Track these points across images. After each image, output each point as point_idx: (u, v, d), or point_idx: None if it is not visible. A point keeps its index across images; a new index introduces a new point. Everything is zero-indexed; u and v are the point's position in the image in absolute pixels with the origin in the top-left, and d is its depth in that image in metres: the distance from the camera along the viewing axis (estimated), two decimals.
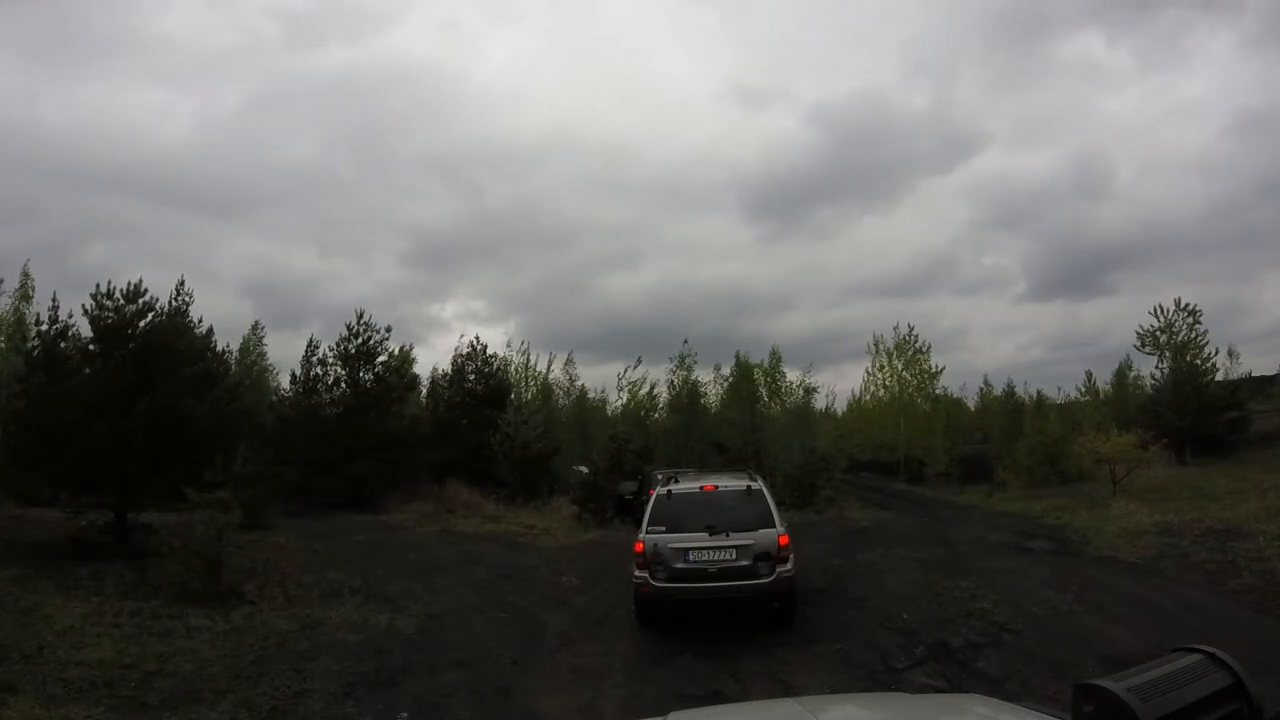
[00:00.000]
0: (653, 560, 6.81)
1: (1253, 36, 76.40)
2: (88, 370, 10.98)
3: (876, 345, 32.33)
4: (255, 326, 27.45)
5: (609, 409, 28.03)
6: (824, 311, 63.26)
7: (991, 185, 74.01)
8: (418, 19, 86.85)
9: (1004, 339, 65.33)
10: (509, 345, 28.80)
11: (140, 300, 11.29)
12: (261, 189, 69.31)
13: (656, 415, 28.07)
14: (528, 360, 26.45)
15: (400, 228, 71.73)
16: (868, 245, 70.50)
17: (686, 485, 7.52)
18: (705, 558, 6.74)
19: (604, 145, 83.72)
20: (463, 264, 69.89)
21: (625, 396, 27.62)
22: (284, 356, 50.35)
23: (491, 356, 24.56)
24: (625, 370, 27.71)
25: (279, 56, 77.44)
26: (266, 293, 59.28)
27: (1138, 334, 24.89)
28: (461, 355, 24.50)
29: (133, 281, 11.37)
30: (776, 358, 27.23)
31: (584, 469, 18.95)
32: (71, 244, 55.02)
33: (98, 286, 11.19)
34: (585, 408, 27.47)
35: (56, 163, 56.80)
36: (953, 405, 33.81)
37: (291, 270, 64.07)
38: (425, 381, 26.15)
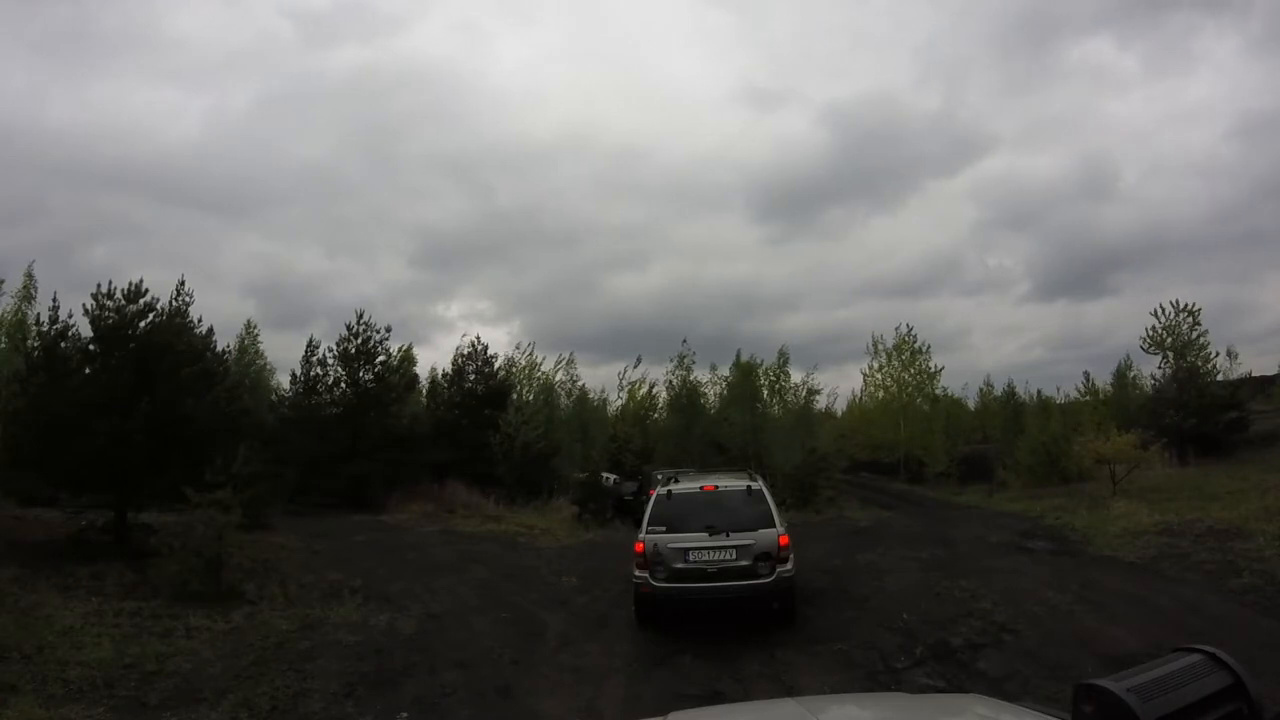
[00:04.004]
0: (653, 560, 6.81)
1: (1258, 40, 76.72)
2: (88, 370, 10.97)
3: (875, 346, 32.39)
4: (249, 325, 27.56)
5: (609, 409, 28.06)
6: (829, 311, 63.56)
7: (998, 187, 74.45)
8: (432, 20, 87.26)
9: (1006, 339, 65.64)
10: (518, 348, 28.59)
11: (141, 300, 11.27)
12: (270, 189, 69.64)
13: (656, 415, 28.07)
14: (530, 360, 26.48)
15: (408, 228, 72.05)
16: (874, 246, 70.93)
17: (686, 485, 7.51)
18: (705, 558, 6.73)
19: (615, 146, 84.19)
20: (469, 264, 70.27)
21: (625, 396, 27.65)
22: (288, 357, 50.41)
23: (492, 356, 24.61)
24: (624, 370, 27.74)
25: (292, 56, 77.79)
26: (272, 292, 59.55)
27: (1144, 335, 24.93)
28: (462, 355, 24.54)
29: (133, 281, 11.38)
30: (783, 358, 27.28)
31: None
32: (77, 244, 55.31)
33: (98, 286, 11.19)
34: (586, 408, 27.48)
35: (63, 162, 57.03)
36: (953, 405, 33.86)
37: (298, 270, 64.35)
38: (425, 382, 26.19)
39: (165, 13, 74.12)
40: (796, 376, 27.92)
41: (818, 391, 28.26)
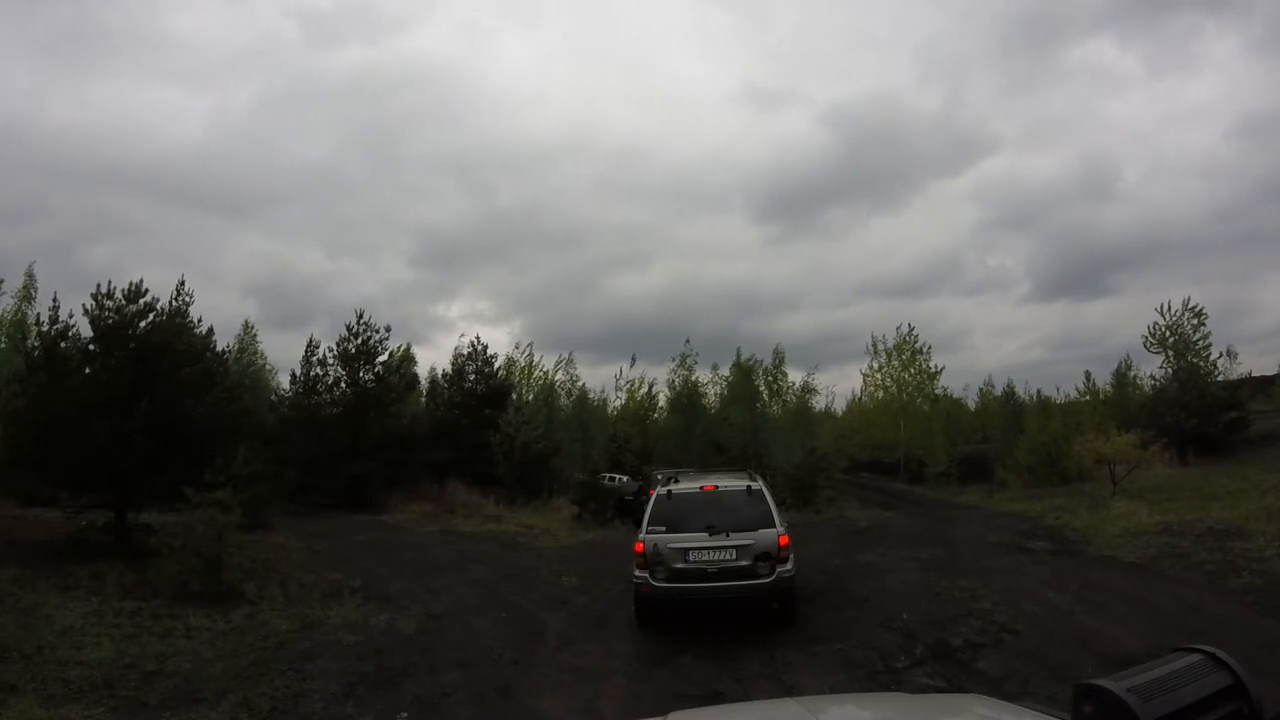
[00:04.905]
0: (653, 560, 6.81)
1: (1258, 41, 76.73)
2: (88, 370, 10.98)
3: (876, 346, 32.38)
4: (247, 326, 27.60)
5: (609, 409, 28.07)
6: (830, 311, 63.56)
7: (999, 187, 74.53)
8: (434, 20, 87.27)
9: (1007, 339, 65.71)
10: (517, 348, 28.56)
11: (141, 300, 11.28)
12: (271, 188, 69.74)
13: (656, 415, 28.08)
14: (530, 361, 26.49)
15: (409, 228, 72.11)
16: (875, 246, 70.99)
17: (686, 485, 7.50)
18: (705, 558, 6.73)
19: (616, 146, 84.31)
20: (470, 264, 70.30)
21: (625, 396, 27.66)
22: (288, 357, 50.42)
23: (492, 356, 24.63)
24: (622, 369, 27.75)
25: (294, 56, 77.85)
26: (273, 292, 59.57)
27: (1146, 333, 24.89)
28: (462, 355, 24.56)
29: (134, 281, 11.40)
30: (779, 357, 27.31)
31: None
32: (77, 243, 55.30)
33: (98, 286, 11.21)
34: (586, 408, 27.50)
35: (64, 162, 57.03)
36: (953, 405, 33.87)
37: (299, 270, 64.38)
38: (425, 382, 26.21)
39: (167, 12, 74.24)
40: (795, 376, 27.99)
41: (814, 391, 28.34)
